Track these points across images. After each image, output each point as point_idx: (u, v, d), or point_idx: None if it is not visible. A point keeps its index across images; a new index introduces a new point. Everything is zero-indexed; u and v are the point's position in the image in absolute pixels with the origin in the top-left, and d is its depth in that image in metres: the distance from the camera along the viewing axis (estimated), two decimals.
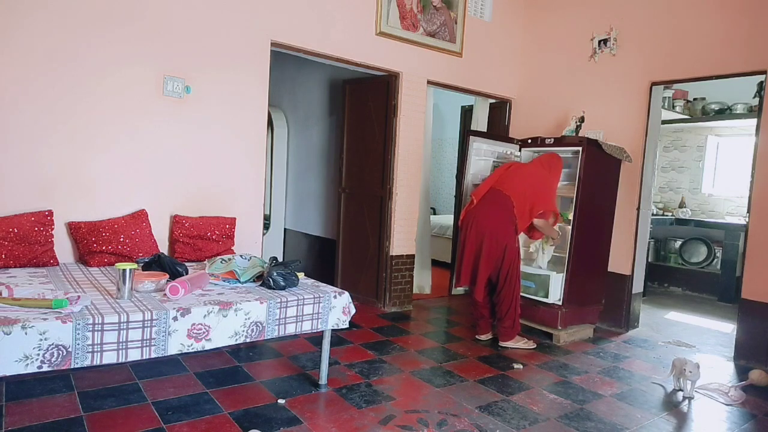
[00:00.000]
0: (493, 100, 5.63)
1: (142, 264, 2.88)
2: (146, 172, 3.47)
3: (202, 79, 3.62)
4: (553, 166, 4.14)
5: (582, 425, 2.71)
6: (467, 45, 5.02)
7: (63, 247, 3.22)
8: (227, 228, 3.70)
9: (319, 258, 5.83)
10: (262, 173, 4.00)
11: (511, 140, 4.87)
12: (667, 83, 4.53)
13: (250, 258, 3.12)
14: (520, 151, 4.71)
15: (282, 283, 2.85)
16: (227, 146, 3.79)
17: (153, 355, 2.30)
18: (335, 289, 3.01)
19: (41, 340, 2.03)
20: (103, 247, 3.18)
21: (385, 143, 4.73)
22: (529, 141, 4.60)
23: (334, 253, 5.31)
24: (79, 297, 2.30)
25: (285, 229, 6.44)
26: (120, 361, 2.22)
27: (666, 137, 6.73)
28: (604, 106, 4.74)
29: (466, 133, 4.95)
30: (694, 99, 6.11)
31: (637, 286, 4.63)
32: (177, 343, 2.36)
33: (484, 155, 4.71)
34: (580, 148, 4.08)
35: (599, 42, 4.77)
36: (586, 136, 4.36)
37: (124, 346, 2.22)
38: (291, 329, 2.75)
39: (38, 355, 2.03)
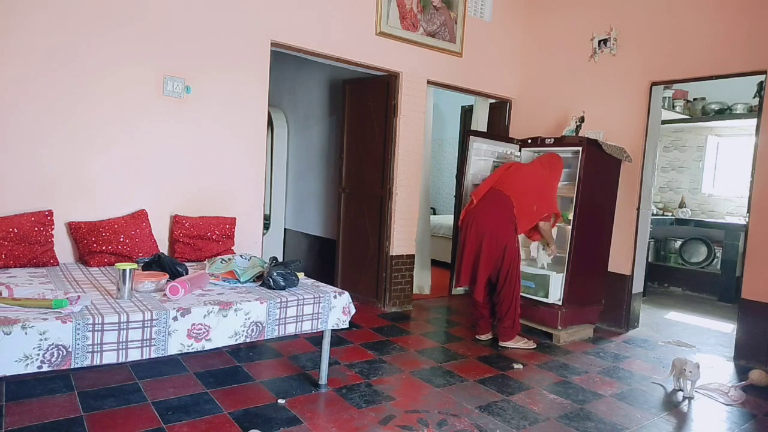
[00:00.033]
0: (493, 100, 5.63)
1: (142, 264, 2.88)
2: (146, 172, 3.47)
3: (202, 79, 3.62)
4: (554, 166, 4.14)
5: (582, 425, 2.71)
6: (467, 45, 5.02)
7: (63, 247, 3.22)
8: (227, 228, 3.70)
9: (319, 258, 5.83)
10: (262, 173, 4.00)
11: (511, 140, 4.87)
12: (667, 83, 4.53)
13: (250, 258, 3.12)
14: (520, 151, 4.71)
15: (282, 283, 2.85)
16: (227, 146, 3.79)
17: (153, 355, 2.30)
18: (335, 289, 3.01)
19: (41, 340, 2.03)
20: (103, 247, 3.18)
21: (385, 143, 4.73)
22: (529, 141, 4.60)
23: (334, 253, 5.31)
24: (79, 297, 2.30)
25: (285, 229, 6.44)
26: (120, 361, 2.22)
27: (666, 137, 6.73)
28: (604, 106, 4.74)
29: (466, 133, 4.95)
30: (694, 99, 6.11)
31: (637, 286, 4.63)
32: (177, 343, 2.36)
33: (484, 155, 4.71)
34: (580, 148, 4.08)
35: (599, 42, 4.77)
36: (586, 136, 4.36)
37: (124, 346, 2.22)
38: (291, 329, 2.75)
39: (38, 355, 2.03)
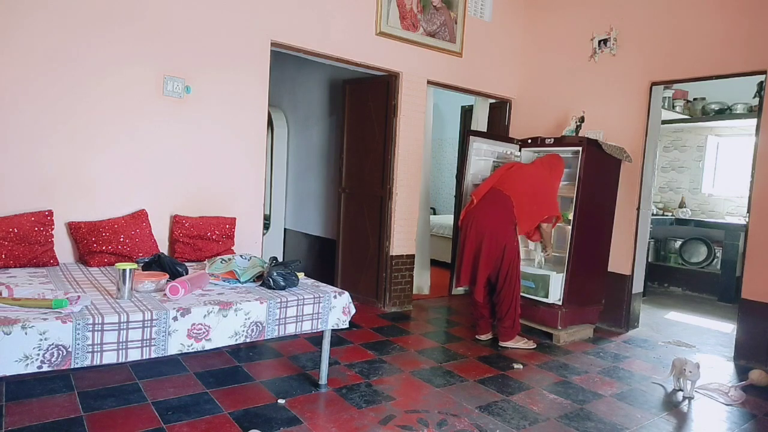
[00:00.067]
0: (493, 100, 5.63)
1: (142, 264, 2.88)
2: (146, 172, 3.47)
3: (202, 79, 3.62)
4: (554, 166, 4.14)
5: (582, 425, 2.71)
6: (467, 45, 5.02)
7: (63, 247, 3.22)
8: (227, 228, 3.70)
9: (319, 258, 5.83)
10: (262, 173, 4.00)
11: (511, 140, 4.87)
12: (667, 83, 4.53)
13: (250, 258, 3.12)
14: (520, 151, 4.71)
15: (282, 283, 2.85)
16: (227, 146, 3.79)
17: (153, 355, 2.30)
18: (335, 289, 3.01)
19: (41, 340, 2.03)
20: (103, 247, 3.18)
21: (385, 143, 4.73)
22: (529, 141, 4.60)
23: (334, 253, 5.31)
24: (79, 297, 2.30)
25: (285, 229, 6.44)
26: (120, 361, 2.22)
27: (666, 137, 6.73)
28: (604, 106, 4.74)
29: (466, 133, 4.95)
30: (694, 99, 6.11)
31: (637, 286, 4.63)
32: (177, 343, 2.36)
33: (484, 155, 4.71)
34: (580, 148, 4.08)
35: (599, 42, 4.77)
36: (586, 136, 4.36)
37: (124, 346, 2.22)
38: (291, 329, 2.75)
39: (38, 355, 2.03)
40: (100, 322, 2.15)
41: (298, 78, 6.17)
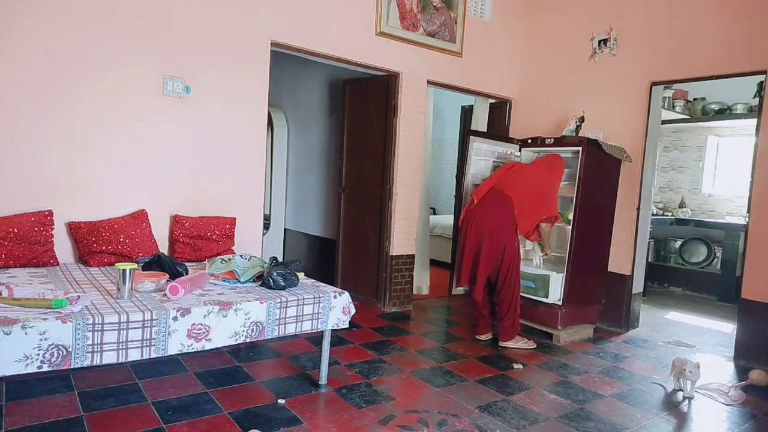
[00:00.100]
0: (493, 100, 5.63)
1: (142, 264, 2.88)
2: (146, 172, 3.47)
3: (202, 79, 3.62)
4: (555, 166, 4.14)
5: (582, 425, 2.71)
6: (467, 45, 5.02)
7: (63, 247, 3.22)
8: (227, 228, 3.70)
9: (319, 258, 5.83)
10: (262, 173, 4.00)
11: (511, 140, 4.87)
12: (667, 83, 4.53)
13: (250, 258, 3.12)
14: (520, 151, 4.71)
15: (282, 283, 2.85)
16: (227, 146, 3.79)
17: (153, 355, 2.30)
18: (335, 289, 3.01)
19: (41, 340, 2.03)
20: (103, 247, 3.18)
21: (385, 143, 4.73)
22: (529, 141, 4.60)
23: (334, 253, 5.31)
24: (79, 297, 2.30)
25: (285, 229, 6.44)
26: (120, 361, 2.22)
27: (666, 137, 6.73)
28: (604, 106, 4.74)
29: (466, 133, 4.95)
30: (694, 99, 6.11)
31: (637, 286, 4.63)
32: (177, 343, 2.36)
33: (484, 155, 4.71)
34: (580, 148, 4.08)
35: (599, 42, 4.77)
36: (586, 136, 4.36)
37: (124, 346, 2.22)
38: (291, 329, 2.75)
39: (38, 355, 2.03)
40: (100, 322, 2.15)
41: (298, 78, 6.17)
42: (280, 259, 5.20)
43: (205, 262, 3.28)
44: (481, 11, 5.13)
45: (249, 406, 2.67)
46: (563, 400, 3.01)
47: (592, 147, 4.11)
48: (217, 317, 2.46)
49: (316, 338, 3.65)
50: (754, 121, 4.18)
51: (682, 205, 6.50)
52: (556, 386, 3.23)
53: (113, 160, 3.34)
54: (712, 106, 5.96)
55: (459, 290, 5.44)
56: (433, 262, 6.09)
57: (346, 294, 2.97)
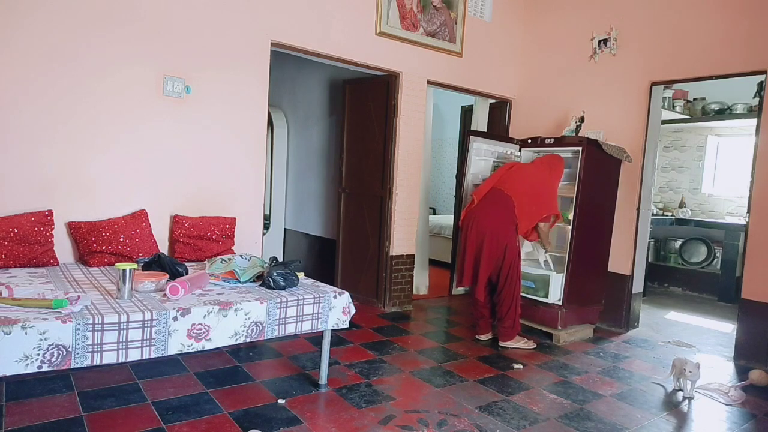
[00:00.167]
0: (493, 100, 5.63)
1: (142, 264, 2.88)
2: (146, 172, 3.47)
3: (202, 79, 3.62)
4: (554, 166, 4.14)
5: (582, 425, 2.71)
6: (467, 45, 5.02)
7: (63, 247, 3.22)
8: (227, 228, 3.70)
9: (319, 258, 5.83)
10: (262, 173, 4.00)
11: (511, 140, 4.87)
12: (667, 83, 4.53)
13: (250, 258, 3.12)
14: (520, 151, 4.71)
15: (282, 283, 2.85)
16: (227, 146, 3.79)
17: (153, 355, 2.30)
18: (335, 289, 3.01)
19: (41, 340, 2.03)
20: (103, 247, 3.18)
21: (385, 143, 4.73)
22: (529, 141, 4.60)
23: (334, 253, 5.31)
24: (79, 297, 2.30)
25: (285, 229, 6.44)
26: (120, 361, 2.22)
27: (666, 137, 6.73)
28: (604, 106, 4.74)
29: (466, 133, 4.95)
30: (694, 99, 6.11)
31: (637, 286, 4.63)
32: (177, 343, 2.36)
33: (484, 155, 4.71)
34: (580, 148, 4.08)
35: (599, 42, 4.77)
36: (586, 136, 4.36)
37: (124, 346, 2.22)
38: (291, 329, 2.75)
39: (38, 355, 2.03)
40: (100, 322, 2.15)
41: (298, 78, 6.17)
42: (280, 259, 5.20)
43: (205, 262, 3.28)
44: (481, 11, 5.13)
45: (249, 406, 2.67)
46: (563, 400, 3.01)
47: (592, 147, 4.11)
48: (217, 317, 2.46)
49: (316, 338, 3.65)
50: (754, 121, 4.18)
51: (682, 205, 6.50)
52: (556, 386, 3.23)
53: (113, 160, 3.34)
54: (712, 106, 5.96)
55: (459, 290, 5.44)
56: (433, 262, 6.10)
57: (346, 294, 2.97)
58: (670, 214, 6.45)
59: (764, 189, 3.79)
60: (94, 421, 2.41)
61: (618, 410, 2.93)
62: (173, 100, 3.52)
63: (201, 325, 2.41)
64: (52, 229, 3.10)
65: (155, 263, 2.87)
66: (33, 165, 3.08)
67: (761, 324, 3.77)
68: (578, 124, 4.62)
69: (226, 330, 2.50)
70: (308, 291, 2.88)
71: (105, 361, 2.18)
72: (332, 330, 2.99)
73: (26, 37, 3.00)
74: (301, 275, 3.06)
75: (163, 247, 3.53)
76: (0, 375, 2.04)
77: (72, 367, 2.11)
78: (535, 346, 3.95)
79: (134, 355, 2.25)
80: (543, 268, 4.27)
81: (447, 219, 7.28)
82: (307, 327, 2.81)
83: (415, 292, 5.30)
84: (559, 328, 4.08)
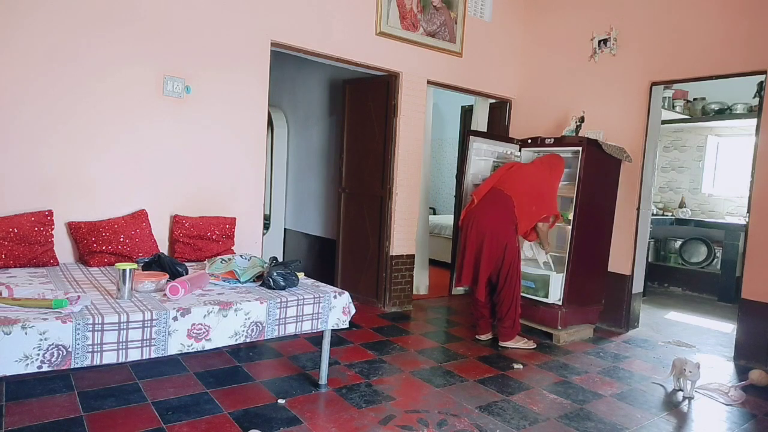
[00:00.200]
0: (493, 100, 5.63)
1: (142, 264, 2.88)
2: (146, 172, 3.47)
3: (202, 79, 3.62)
4: (554, 166, 4.14)
5: (582, 425, 2.71)
6: (467, 45, 5.02)
7: (63, 247, 3.22)
8: (227, 228, 3.70)
9: (319, 258, 5.83)
10: (262, 173, 4.00)
11: (511, 140, 4.87)
12: (667, 83, 4.53)
13: (250, 258, 3.12)
14: (520, 151, 4.71)
15: (282, 283, 2.85)
16: (227, 146, 3.79)
17: (153, 355, 2.30)
18: (335, 289, 3.01)
19: (41, 340, 2.03)
20: (103, 247, 3.18)
21: (385, 143, 4.73)
22: (529, 141, 4.60)
23: (334, 253, 5.31)
24: (79, 297, 2.30)
25: (285, 229, 6.44)
26: (120, 361, 2.22)
27: (666, 137, 6.73)
28: (604, 106, 4.74)
29: (466, 133, 4.95)
30: (694, 99, 6.11)
31: (637, 286, 4.63)
32: (177, 343, 2.36)
33: (484, 155, 4.71)
34: (580, 148, 4.08)
35: (599, 42, 4.77)
36: (586, 136, 4.36)
37: (124, 346, 2.22)
38: (291, 329, 2.75)
39: (38, 355, 2.03)
40: (100, 322, 2.15)
41: (298, 78, 6.17)
42: (280, 259, 5.20)
43: (205, 262, 3.28)
44: (481, 11, 5.13)
45: (249, 406, 2.67)
46: (563, 400, 3.01)
47: (592, 147, 4.11)
48: (217, 317, 2.46)
49: (316, 338, 3.65)
50: (754, 121, 4.18)
51: (682, 205, 6.50)
52: (556, 386, 3.23)
53: (113, 160, 3.34)
54: (712, 106, 5.96)
55: (459, 290, 5.44)
56: (433, 262, 6.09)
57: (346, 294, 2.97)
58: (670, 214, 6.46)
59: (764, 189, 3.79)
60: (94, 421, 2.41)
61: (618, 410, 2.93)
62: (173, 100, 3.52)
63: (201, 325, 2.42)
64: (52, 229, 3.10)
65: (155, 263, 2.87)
66: (33, 165, 3.08)
67: (761, 324, 3.77)
68: (578, 124, 4.62)
69: (226, 330, 2.50)
70: (308, 291, 2.88)
71: (105, 361, 2.18)
72: (332, 330, 2.99)
73: (26, 37, 3.00)
74: (301, 275, 3.06)
75: (163, 247, 3.53)
76: (0, 375, 2.04)
77: (72, 367, 2.11)
78: (535, 346, 3.95)
79: (134, 355, 2.25)
80: (543, 269, 4.27)
81: (447, 219, 7.28)
82: (307, 327, 2.81)
83: (415, 292, 5.30)
84: (559, 328, 4.08)
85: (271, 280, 2.84)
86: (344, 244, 5.18)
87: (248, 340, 2.60)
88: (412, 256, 4.90)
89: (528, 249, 4.46)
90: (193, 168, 3.65)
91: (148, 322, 2.26)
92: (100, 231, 3.20)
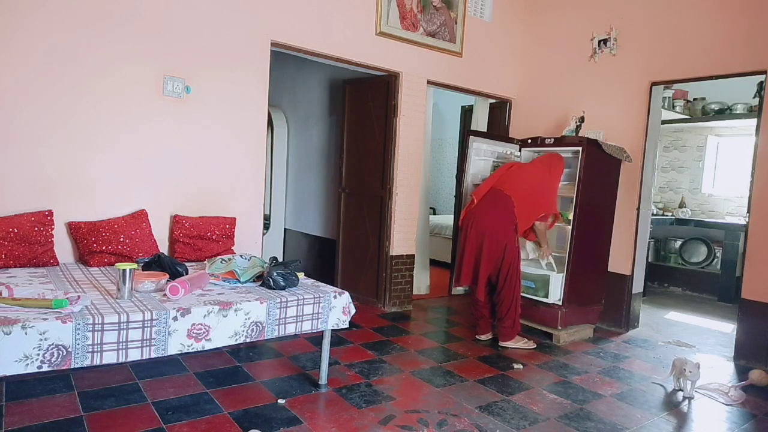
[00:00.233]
0: (493, 100, 5.63)
1: (142, 264, 2.88)
2: (146, 172, 3.47)
3: (202, 79, 3.62)
4: (554, 166, 4.14)
5: (582, 425, 2.71)
6: (467, 45, 5.02)
7: (63, 247, 3.22)
8: (227, 228, 3.70)
9: (319, 258, 5.83)
10: (262, 173, 4.00)
11: (511, 140, 4.87)
12: (667, 83, 4.53)
13: (250, 258, 3.12)
14: (520, 151, 4.71)
15: (282, 283, 2.85)
16: (227, 146, 3.79)
17: (153, 355, 2.30)
18: (335, 289, 3.01)
19: (41, 340, 2.03)
20: (103, 247, 3.18)
21: (385, 143, 4.73)
22: (529, 141, 4.60)
23: (334, 253, 5.31)
24: (79, 297, 2.30)
25: (285, 229, 6.44)
26: (120, 361, 2.22)
27: (666, 137, 6.73)
28: (604, 106, 4.74)
29: (466, 133, 4.95)
30: (694, 99, 6.11)
31: (637, 286, 4.63)
32: (177, 343, 2.36)
33: (484, 155, 4.71)
34: (580, 148, 4.08)
35: (599, 42, 4.77)
36: (586, 136, 4.36)
37: (124, 346, 2.22)
38: (291, 329, 2.75)
39: (38, 355, 2.03)
40: (100, 322, 2.15)
41: (298, 78, 6.17)
42: (280, 259, 5.20)
43: (205, 262, 3.28)
44: (481, 11, 5.13)
45: (249, 406, 2.68)
46: (563, 400, 3.01)
47: (592, 147, 4.11)
48: (217, 317, 2.46)
49: (316, 338, 3.65)
50: (754, 121, 4.18)
51: (682, 205, 6.50)
52: (556, 386, 3.23)
53: (113, 160, 3.34)
54: (712, 106, 5.96)
55: (459, 290, 5.44)
56: (433, 262, 6.09)
57: (346, 294, 2.97)
58: (670, 214, 6.46)
59: (764, 189, 3.79)
60: (94, 421, 2.41)
61: (618, 410, 2.93)
62: (173, 100, 3.52)
63: (201, 325, 2.42)
64: (52, 229, 3.10)
65: (155, 263, 2.87)
66: (33, 165, 3.08)
67: (761, 324, 3.77)
68: (578, 124, 4.62)
69: (226, 330, 2.50)
70: (308, 291, 2.88)
71: (105, 361, 2.18)
72: (332, 330, 2.99)
73: (26, 37, 3.00)
74: (301, 275, 3.06)
75: (163, 247, 3.53)
76: (0, 375, 2.04)
77: (72, 367, 2.11)
78: (535, 346, 3.95)
79: (134, 355, 2.25)
80: (545, 269, 4.27)
81: (447, 219, 7.28)
82: (307, 327, 2.81)
83: (415, 292, 5.30)
84: (559, 328, 4.08)
85: (271, 280, 2.84)
86: (344, 244, 5.18)
87: (248, 340, 2.60)
88: (412, 256, 4.90)
89: (531, 250, 4.46)
90: (193, 168, 3.65)
91: (148, 322, 2.26)
92: (100, 231, 3.20)
